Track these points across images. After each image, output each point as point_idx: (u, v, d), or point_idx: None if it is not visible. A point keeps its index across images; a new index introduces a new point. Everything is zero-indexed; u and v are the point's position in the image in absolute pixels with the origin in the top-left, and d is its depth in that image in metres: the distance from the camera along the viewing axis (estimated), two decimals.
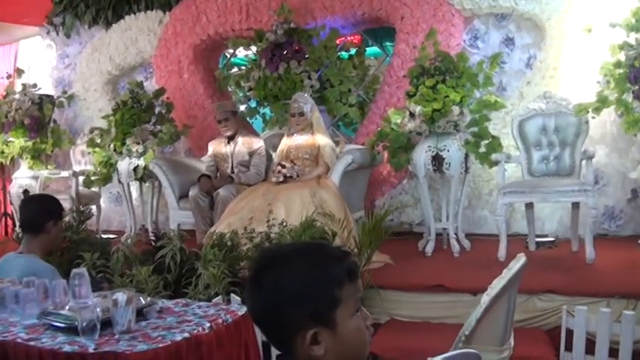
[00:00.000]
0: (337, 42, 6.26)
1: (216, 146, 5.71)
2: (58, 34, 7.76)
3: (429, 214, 4.94)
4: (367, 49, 7.03)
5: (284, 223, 4.13)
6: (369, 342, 1.33)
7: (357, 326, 1.30)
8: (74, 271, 2.50)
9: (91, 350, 2.06)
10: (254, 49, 6.61)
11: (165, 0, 7.08)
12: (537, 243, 4.95)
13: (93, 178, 6.37)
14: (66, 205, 3.59)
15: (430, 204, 4.93)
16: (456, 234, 4.90)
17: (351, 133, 6.82)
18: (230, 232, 4.16)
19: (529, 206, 4.89)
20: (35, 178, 6.95)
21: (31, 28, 7.88)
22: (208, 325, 2.29)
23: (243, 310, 2.48)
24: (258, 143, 5.61)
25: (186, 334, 2.19)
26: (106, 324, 2.21)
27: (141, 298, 2.50)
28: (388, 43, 7.09)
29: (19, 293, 2.48)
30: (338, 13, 6.27)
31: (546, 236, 5.27)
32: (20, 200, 6.65)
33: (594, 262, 4.28)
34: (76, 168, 7.02)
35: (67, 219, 4.15)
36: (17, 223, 6.92)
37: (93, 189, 6.65)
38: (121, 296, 2.22)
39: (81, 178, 6.59)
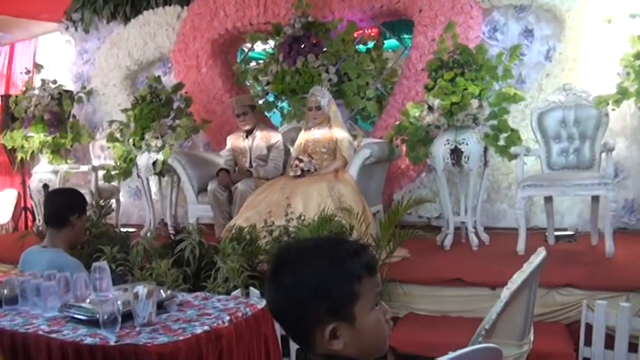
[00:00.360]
0: (355, 35, 6.24)
1: (235, 140, 5.73)
2: (76, 29, 7.83)
3: (447, 207, 4.91)
4: (385, 42, 7.01)
5: (302, 217, 4.13)
6: (389, 336, 1.32)
7: (377, 320, 1.29)
8: (95, 264, 2.51)
9: (112, 342, 2.08)
10: (272, 43, 6.60)
11: None
12: (556, 237, 4.92)
13: (113, 172, 6.42)
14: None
15: (449, 198, 4.91)
16: (474, 228, 4.88)
17: (369, 127, 6.80)
18: (248, 226, 4.18)
19: (548, 200, 4.86)
20: (55, 172, 7.04)
21: (49, 24, 7.95)
22: (228, 318, 2.31)
23: (263, 303, 2.49)
24: (276, 137, 5.62)
25: (207, 327, 2.20)
26: (127, 317, 2.23)
27: (161, 291, 2.52)
28: (406, 36, 7.06)
29: (40, 286, 2.50)
30: (355, 6, 6.25)
31: (566, 230, 5.23)
32: (41, 194, 6.73)
33: (614, 256, 4.23)
34: (96, 162, 7.09)
35: (87, 213, 4.19)
36: (37, 217, 7.03)
37: (113, 183, 6.70)
38: (141, 289, 2.23)
39: (100, 173, 6.65)
